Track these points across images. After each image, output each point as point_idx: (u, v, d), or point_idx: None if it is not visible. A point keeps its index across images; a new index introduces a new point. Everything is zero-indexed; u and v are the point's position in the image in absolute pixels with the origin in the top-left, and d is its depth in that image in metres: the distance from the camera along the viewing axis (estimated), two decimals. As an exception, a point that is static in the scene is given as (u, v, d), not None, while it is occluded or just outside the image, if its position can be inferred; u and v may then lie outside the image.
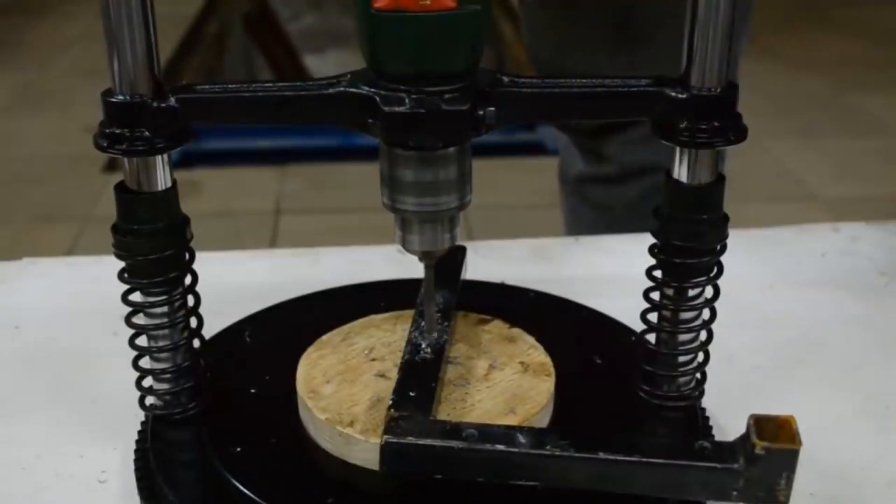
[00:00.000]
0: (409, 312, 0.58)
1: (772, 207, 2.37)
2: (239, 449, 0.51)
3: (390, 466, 0.46)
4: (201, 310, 0.54)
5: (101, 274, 0.69)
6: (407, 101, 0.46)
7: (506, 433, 0.46)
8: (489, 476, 0.46)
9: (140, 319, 0.52)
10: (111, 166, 2.53)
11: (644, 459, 0.44)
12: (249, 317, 0.63)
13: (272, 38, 3.24)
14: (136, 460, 0.52)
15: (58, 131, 2.83)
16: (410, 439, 0.46)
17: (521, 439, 0.45)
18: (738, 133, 0.48)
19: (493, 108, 0.48)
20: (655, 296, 0.53)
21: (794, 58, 3.56)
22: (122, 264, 0.50)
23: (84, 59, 3.35)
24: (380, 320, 0.59)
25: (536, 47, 1.08)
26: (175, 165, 0.50)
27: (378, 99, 0.47)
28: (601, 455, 0.44)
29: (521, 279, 0.70)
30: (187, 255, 0.51)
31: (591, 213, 1.15)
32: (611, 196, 1.10)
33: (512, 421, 0.50)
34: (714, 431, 0.55)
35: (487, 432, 0.46)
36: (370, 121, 0.47)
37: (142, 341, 0.53)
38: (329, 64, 3.40)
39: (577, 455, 0.44)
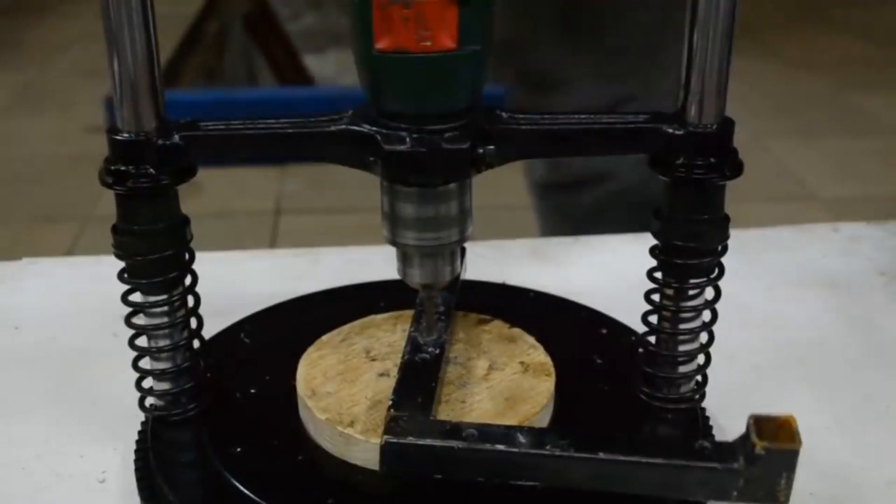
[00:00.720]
0: (409, 312, 0.58)
1: (772, 207, 2.37)
2: (239, 449, 0.51)
3: (390, 466, 0.46)
4: (201, 310, 0.54)
5: (101, 274, 0.69)
6: (408, 139, 0.47)
7: (506, 433, 0.46)
8: (489, 476, 0.46)
9: (140, 320, 0.52)
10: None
11: (644, 459, 0.44)
12: (249, 317, 0.63)
13: (272, 38, 3.24)
14: (136, 460, 0.52)
15: (58, 131, 2.84)
16: (410, 439, 0.46)
17: (521, 439, 0.45)
18: (733, 169, 0.49)
19: (492, 147, 0.48)
20: (656, 297, 0.53)
21: (794, 58, 3.57)
22: (122, 264, 0.50)
23: (84, 59, 3.35)
24: (380, 320, 0.59)
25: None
26: (175, 165, 0.50)
27: (379, 137, 0.47)
28: (601, 455, 0.44)
29: (521, 279, 0.70)
30: (187, 256, 0.52)
31: (555, 218, 1.15)
32: (569, 203, 1.11)
33: (512, 421, 0.50)
34: (714, 431, 0.55)
35: (487, 432, 0.46)
36: (371, 159, 0.48)
37: (142, 342, 0.53)
38: (329, 64, 3.39)
39: (576, 455, 0.44)
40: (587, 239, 0.81)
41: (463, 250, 0.63)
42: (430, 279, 0.51)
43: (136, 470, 0.52)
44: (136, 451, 0.53)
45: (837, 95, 3.20)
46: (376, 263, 0.74)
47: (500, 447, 0.45)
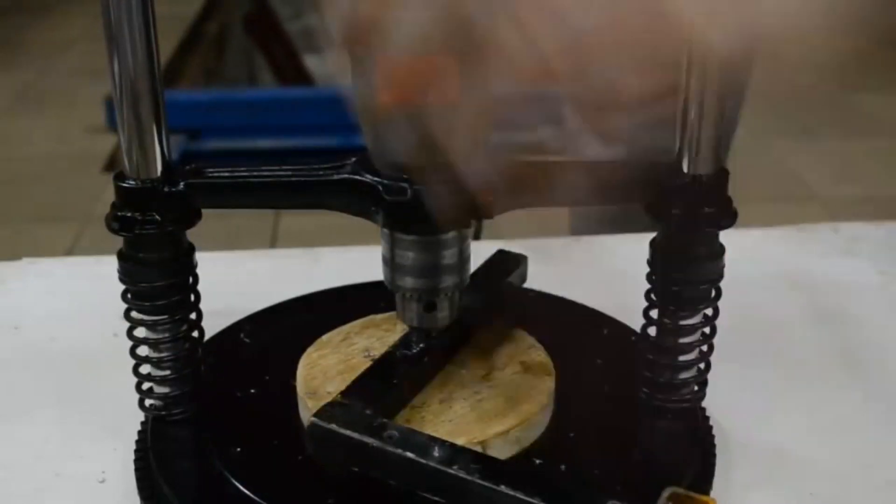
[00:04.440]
0: None
1: (772, 207, 2.36)
2: (239, 449, 0.51)
3: (314, 449, 0.46)
4: (201, 309, 0.54)
5: (101, 274, 0.69)
6: (409, 190, 0.47)
7: (425, 443, 0.45)
8: (400, 482, 0.45)
9: (141, 332, 0.52)
10: (111, 166, 2.53)
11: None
12: (249, 317, 0.63)
13: (272, 38, 3.24)
14: (136, 460, 0.52)
15: (58, 131, 2.83)
16: (334, 426, 0.46)
17: (436, 453, 0.44)
18: (728, 218, 0.49)
19: (491, 198, 0.48)
20: (654, 314, 0.53)
21: (794, 58, 3.55)
22: (122, 264, 0.51)
23: (84, 59, 3.35)
24: (380, 320, 0.59)
25: None
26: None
27: (381, 188, 0.47)
28: (502, 488, 0.43)
29: (521, 279, 0.70)
30: (191, 280, 0.52)
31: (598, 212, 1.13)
32: None
33: (513, 421, 0.50)
34: (714, 431, 0.55)
35: (408, 438, 0.45)
36: (373, 208, 0.48)
37: (143, 342, 0.53)
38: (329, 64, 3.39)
39: (477, 481, 0.43)
40: (587, 239, 0.81)
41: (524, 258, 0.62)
42: (428, 323, 0.52)
43: (136, 470, 0.52)
44: (136, 451, 0.53)
45: (837, 95, 3.20)
46: (376, 263, 0.73)
47: (409, 454, 0.44)
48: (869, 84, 3.25)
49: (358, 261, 0.76)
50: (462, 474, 0.43)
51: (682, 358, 0.53)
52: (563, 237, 0.82)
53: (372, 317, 0.59)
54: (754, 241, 0.79)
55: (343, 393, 0.49)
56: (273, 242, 2.28)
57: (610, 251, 0.79)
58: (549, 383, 0.54)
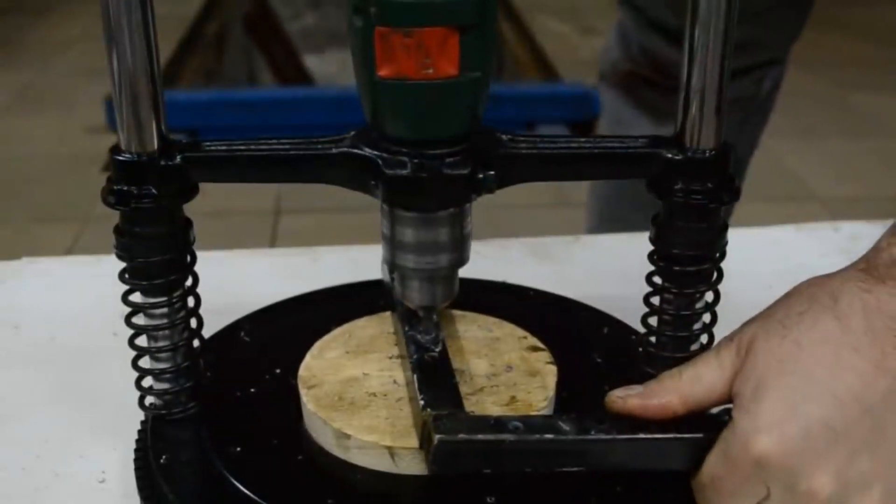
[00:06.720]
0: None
1: (772, 207, 2.37)
2: (239, 449, 0.51)
3: (441, 466, 0.45)
4: (201, 309, 0.54)
5: (101, 273, 0.69)
6: (409, 164, 0.47)
7: (548, 423, 0.46)
8: (536, 466, 0.46)
9: (140, 320, 0.52)
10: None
11: (683, 435, 0.45)
12: (249, 316, 0.63)
13: (272, 38, 3.24)
14: (136, 460, 0.52)
15: (58, 131, 2.83)
16: (462, 436, 0.45)
17: (565, 427, 0.45)
18: (731, 194, 0.49)
19: (492, 172, 0.48)
20: (655, 301, 0.53)
21: (794, 58, 3.56)
22: (122, 264, 0.50)
23: (84, 59, 3.35)
24: (379, 317, 0.59)
25: None
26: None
27: (380, 162, 0.47)
28: (641, 435, 0.45)
29: (521, 279, 0.70)
30: (189, 258, 0.52)
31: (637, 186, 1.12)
32: None
33: (550, 379, 0.53)
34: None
35: (531, 423, 0.46)
36: (372, 182, 0.48)
37: (142, 341, 0.53)
38: (329, 64, 3.39)
39: (619, 437, 0.45)
40: (587, 238, 0.81)
41: None
42: (428, 301, 0.52)
43: (136, 470, 0.52)
44: (136, 451, 0.53)
45: (837, 95, 3.20)
46: (376, 263, 0.74)
47: (549, 436, 0.45)
48: (869, 84, 3.25)
49: (357, 260, 0.76)
50: (603, 436, 0.45)
51: (682, 354, 0.53)
52: (564, 237, 0.82)
53: (372, 315, 0.59)
54: (754, 240, 0.79)
55: (428, 406, 0.48)
56: (273, 242, 2.28)
57: (610, 251, 0.79)
58: (519, 331, 0.56)
